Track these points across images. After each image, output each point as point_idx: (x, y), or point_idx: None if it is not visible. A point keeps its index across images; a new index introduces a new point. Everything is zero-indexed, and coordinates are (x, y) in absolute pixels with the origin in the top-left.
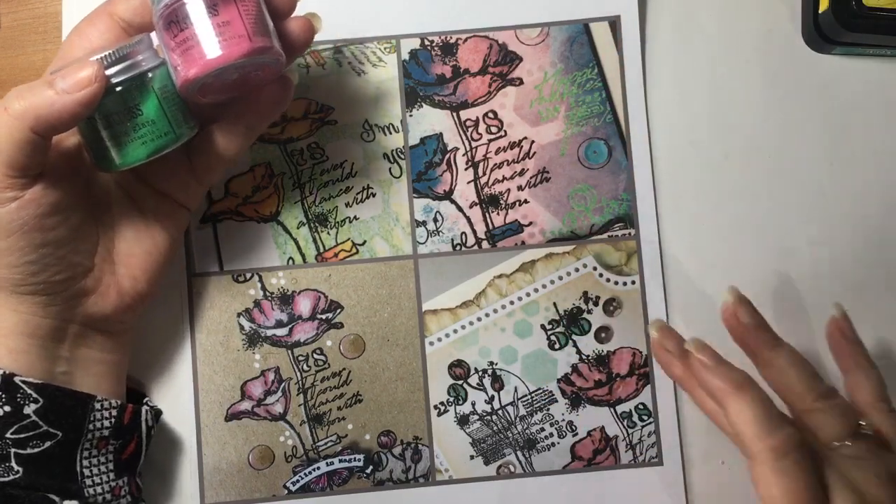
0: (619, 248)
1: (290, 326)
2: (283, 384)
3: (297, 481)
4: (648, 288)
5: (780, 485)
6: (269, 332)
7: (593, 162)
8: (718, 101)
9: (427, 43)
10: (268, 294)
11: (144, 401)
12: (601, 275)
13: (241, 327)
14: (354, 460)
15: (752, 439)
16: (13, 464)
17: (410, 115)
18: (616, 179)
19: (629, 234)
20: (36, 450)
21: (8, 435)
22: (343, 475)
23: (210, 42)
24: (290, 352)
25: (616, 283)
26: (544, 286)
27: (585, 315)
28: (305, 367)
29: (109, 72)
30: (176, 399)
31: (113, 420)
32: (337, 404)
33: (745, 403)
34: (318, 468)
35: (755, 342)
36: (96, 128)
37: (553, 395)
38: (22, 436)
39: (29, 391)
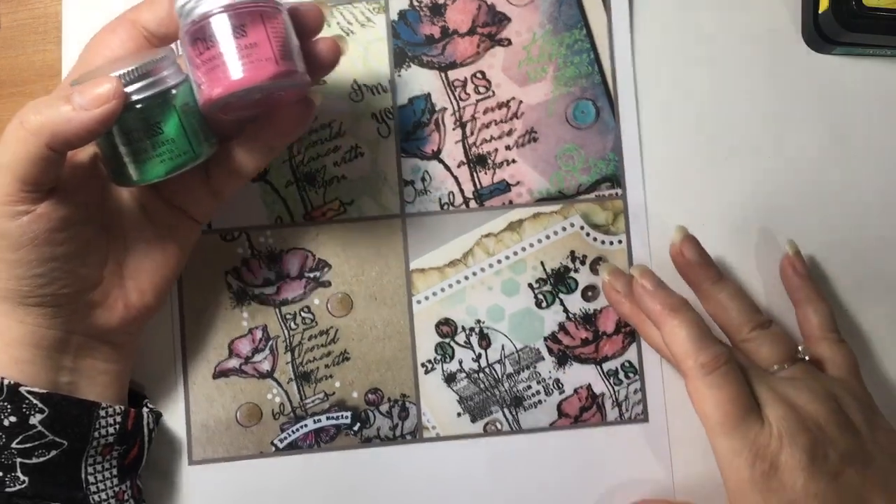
0: (606, 208)
1: (277, 285)
2: (271, 342)
3: (285, 438)
4: (634, 247)
5: (711, 397)
6: (257, 291)
7: (581, 122)
8: (707, 60)
9: (416, 3)
10: (255, 252)
11: (144, 402)
12: (588, 234)
13: (229, 286)
14: (342, 418)
15: (684, 357)
16: (19, 473)
17: (399, 76)
18: (603, 139)
19: (616, 193)
20: (42, 459)
21: (13, 445)
22: (330, 432)
23: (236, 63)
24: (277, 310)
25: (603, 242)
26: (531, 245)
27: (572, 274)
28: (293, 326)
29: (131, 88)
30: (162, 354)
31: (117, 426)
32: (324, 362)
33: (679, 323)
34: (306, 425)
35: (698, 276)
36: (114, 143)
37: (540, 353)
38: (27, 445)
39: (35, 401)
